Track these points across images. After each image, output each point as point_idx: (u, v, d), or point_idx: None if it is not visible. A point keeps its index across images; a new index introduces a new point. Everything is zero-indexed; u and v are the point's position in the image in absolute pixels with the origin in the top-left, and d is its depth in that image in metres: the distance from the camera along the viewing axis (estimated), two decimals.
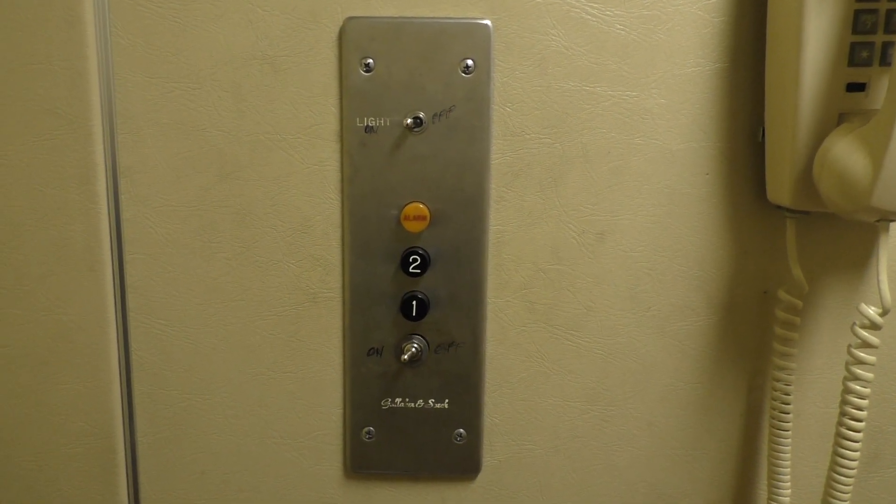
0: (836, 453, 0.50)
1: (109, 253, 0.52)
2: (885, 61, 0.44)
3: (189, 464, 0.57)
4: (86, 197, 0.52)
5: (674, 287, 0.54)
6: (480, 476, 0.57)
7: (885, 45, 0.44)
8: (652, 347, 0.55)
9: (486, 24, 0.50)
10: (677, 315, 0.54)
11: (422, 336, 0.53)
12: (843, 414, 0.49)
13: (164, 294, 0.54)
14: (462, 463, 0.56)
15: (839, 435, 0.50)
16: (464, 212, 0.52)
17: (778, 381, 0.53)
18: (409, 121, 0.50)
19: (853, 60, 0.45)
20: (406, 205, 0.51)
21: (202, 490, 0.58)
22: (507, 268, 0.53)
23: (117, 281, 0.53)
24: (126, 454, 0.56)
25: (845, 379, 0.49)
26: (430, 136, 0.51)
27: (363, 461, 0.56)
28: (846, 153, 0.43)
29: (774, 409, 0.54)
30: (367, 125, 0.51)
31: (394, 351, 0.54)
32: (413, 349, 0.52)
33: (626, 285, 0.54)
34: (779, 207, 0.51)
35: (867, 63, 0.44)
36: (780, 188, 0.49)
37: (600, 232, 0.53)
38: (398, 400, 0.54)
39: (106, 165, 0.52)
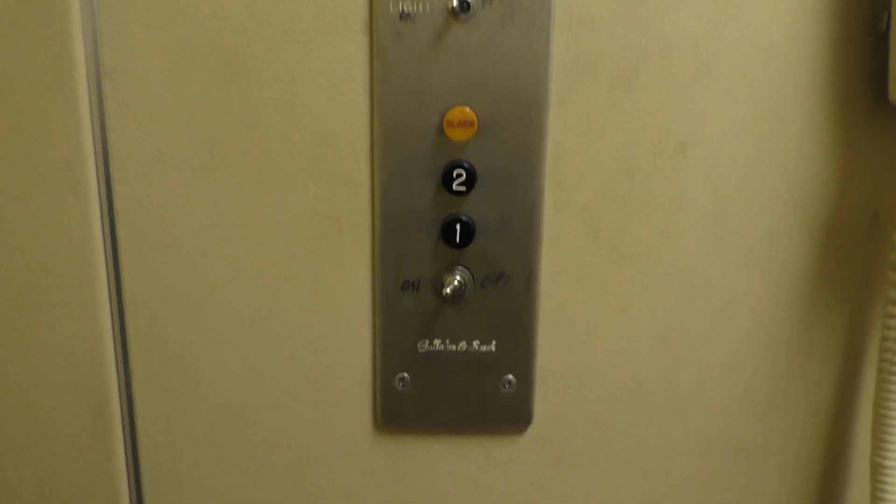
0: None
1: (94, 170, 0.49)
2: None
3: (194, 417, 0.54)
4: (64, 102, 0.47)
5: (766, 208, 0.50)
6: (531, 429, 0.54)
7: None
8: (737, 279, 0.51)
9: None
10: (769, 241, 0.50)
11: (466, 267, 0.50)
12: None
13: (159, 220, 0.50)
14: (510, 414, 0.53)
15: None
16: (518, 118, 0.47)
17: (891, 317, 0.47)
18: (454, 4, 0.45)
19: None
20: (449, 109, 0.47)
21: (210, 446, 0.55)
22: (567, 186, 0.49)
23: (104, 204, 0.50)
24: (121, 406, 0.54)
25: None
26: (479, 25, 0.46)
27: (396, 413, 0.54)
28: None
29: (886, 351, 0.48)
30: (403, 11, 0.45)
31: (432, 285, 0.51)
32: (455, 282, 0.49)
33: (709, 206, 0.50)
34: None
35: None
36: None
37: (681, 142, 0.48)
38: (437, 342, 0.52)
39: (87, 64, 0.47)
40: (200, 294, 0.52)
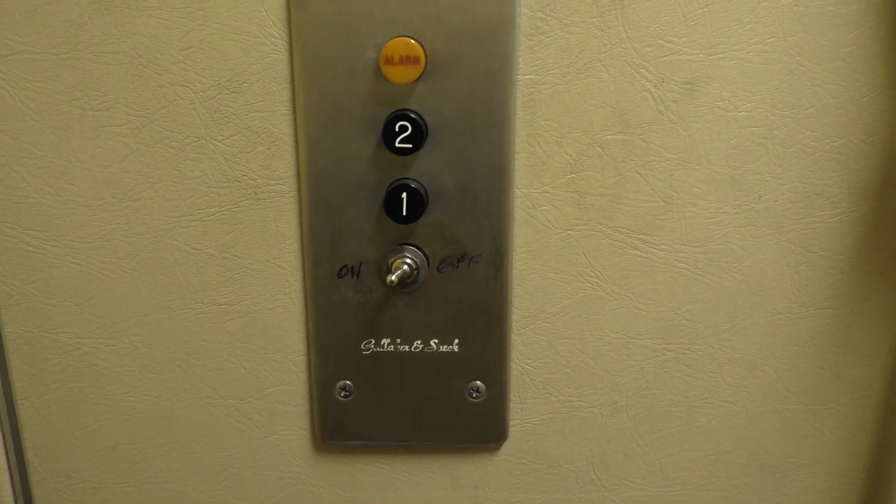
0: None
1: None
2: None
3: (95, 435, 0.51)
4: None
5: (799, 164, 0.46)
6: (506, 446, 0.52)
7: None
8: (762, 257, 0.47)
9: None
10: (802, 207, 0.46)
11: (417, 247, 0.47)
12: None
13: (33, 191, 0.47)
14: (480, 428, 0.51)
15: None
16: (477, 51, 0.43)
17: None
18: None
19: None
20: (388, 41, 0.43)
21: (116, 469, 0.52)
22: (544, 140, 0.45)
23: None
24: (2, 423, 0.50)
25: None
26: None
27: (338, 428, 0.51)
28: None
29: None
30: None
31: (376, 270, 0.48)
32: (404, 266, 0.47)
33: (726, 163, 0.46)
34: None
35: None
36: None
37: (690, 80, 0.44)
38: (385, 341, 0.49)
39: None
40: (91, 285, 0.48)
